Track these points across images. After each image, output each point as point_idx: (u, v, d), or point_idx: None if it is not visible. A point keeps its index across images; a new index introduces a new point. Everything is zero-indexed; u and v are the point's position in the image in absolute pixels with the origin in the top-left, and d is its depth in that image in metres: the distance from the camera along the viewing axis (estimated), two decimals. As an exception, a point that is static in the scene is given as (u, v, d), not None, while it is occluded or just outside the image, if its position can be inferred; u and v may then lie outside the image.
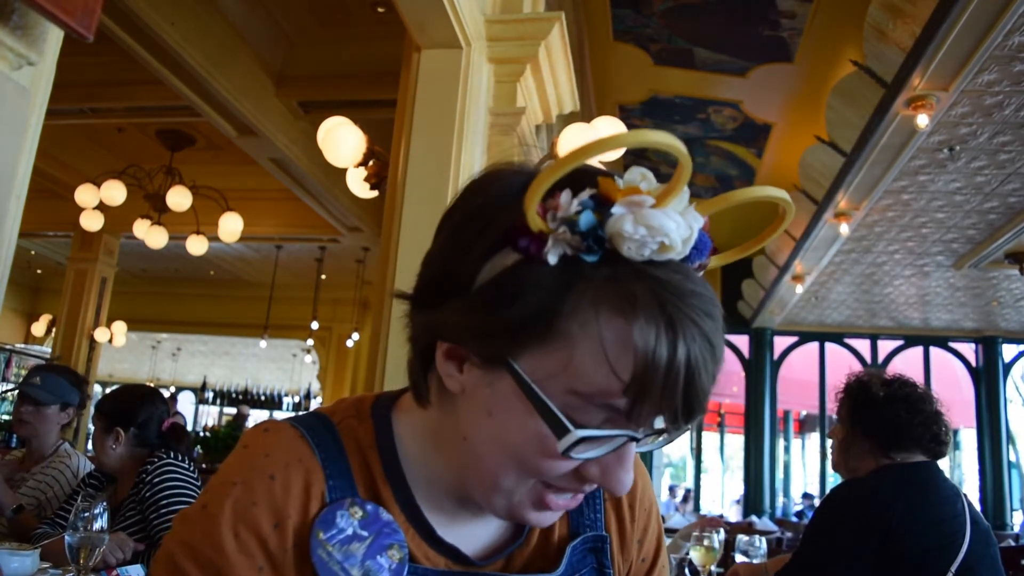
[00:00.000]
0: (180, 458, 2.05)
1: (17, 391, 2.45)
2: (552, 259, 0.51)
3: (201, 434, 8.53)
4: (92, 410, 2.12)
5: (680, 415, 0.51)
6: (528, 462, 0.54)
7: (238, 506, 0.56)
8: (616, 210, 0.50)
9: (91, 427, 2.41)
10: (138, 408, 2.12)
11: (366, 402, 0.66)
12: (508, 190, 0.55)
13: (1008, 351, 9.07)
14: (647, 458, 9.13)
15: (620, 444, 0.53)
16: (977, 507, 1.75)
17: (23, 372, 8.75)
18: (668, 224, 0.50)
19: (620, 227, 0.50)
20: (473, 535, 0.64)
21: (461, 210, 0.58)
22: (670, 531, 5.37)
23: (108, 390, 2.21)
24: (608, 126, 2.73)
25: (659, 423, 0.52)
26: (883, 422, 1.79)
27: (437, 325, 0.56)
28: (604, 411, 0.51)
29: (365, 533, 0.57)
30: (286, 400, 14.15)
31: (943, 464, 1.84)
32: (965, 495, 1.75)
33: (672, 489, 10.67)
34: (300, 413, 0.64)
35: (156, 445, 2.11)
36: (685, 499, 10.38)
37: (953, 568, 1.57)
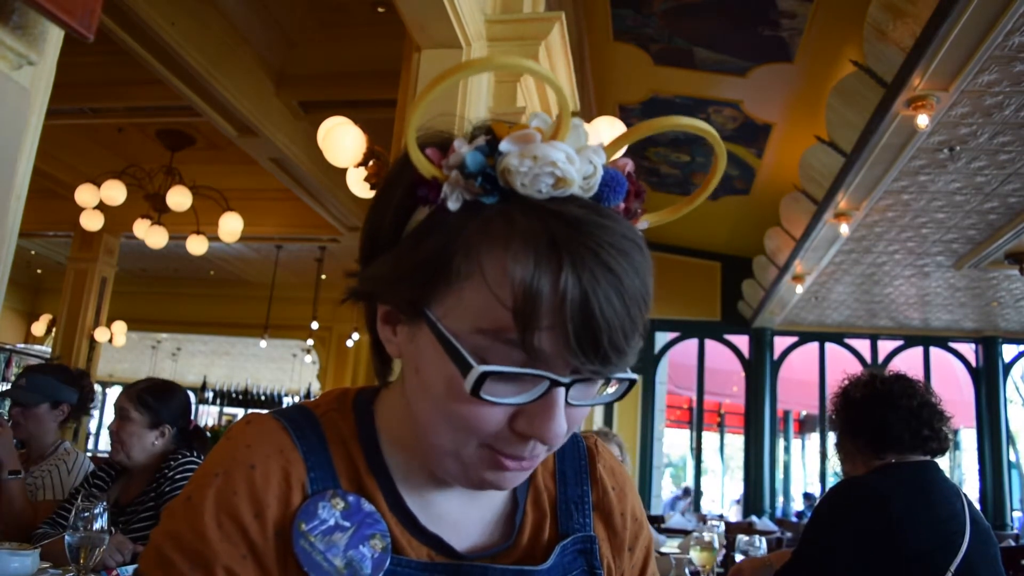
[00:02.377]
0: (200, 457, 2.06)
1: (6, 396, 2.46)
2: (453, 205, 0.53)
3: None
4: (124, 404, 2.06)
5: (587, 351, 0.49)
6: (451, 413, 0.53)
7: (220, 496, 0.56)
8: (503, 147, 0.51)
9: (91, 423, 2.39)
10: (187, 406, 2.17)
11: (349, 395, 0.67)
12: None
13: (1008, 351, 9.07)
14: (647, 458, 9.15)
15: (544, 391, 0.52)
16: (977, 507, 1.73)
17: (18, 372, 8.74)
18: (553, 154, 0.50)
19: (508, 162, 0.51)
20: (458, 530, 0.64)
21: (384, 178, 0.61)
22: (670, 531, 5.36)
23: (137, 383, 2.15)
24: (608, 126, 2.73)
25: (581, 369, 0.51)
26: (864, 424, 1.77)
27: (368, 285, 0.59)
28: (513, 350, 0.50)
29: (347, 524, 0.58)
30: (286, 400, 14.13)
31: (943, 464, 1.81)
32: (965, 495, 1.73)
33: (686, 491, 10.60)
34: (284, 407, 0.65)
35: (180, 443, 2.13)
36: (686, 492, 10.34)
37: (952, 567, 1.56)
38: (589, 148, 0.53)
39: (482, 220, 0.52)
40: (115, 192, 5.51)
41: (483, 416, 0.53)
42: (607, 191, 0.54)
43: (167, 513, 0.59)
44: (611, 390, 0.57)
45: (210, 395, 14.46)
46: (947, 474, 1.76)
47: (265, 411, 0.64)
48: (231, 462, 0.58)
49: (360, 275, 0.60)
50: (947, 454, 1.80)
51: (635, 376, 0.56)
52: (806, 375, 9.76)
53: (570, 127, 0.52)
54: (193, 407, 2.25)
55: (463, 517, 0.65)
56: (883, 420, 1.73)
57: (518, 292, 0.49)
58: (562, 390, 0.52)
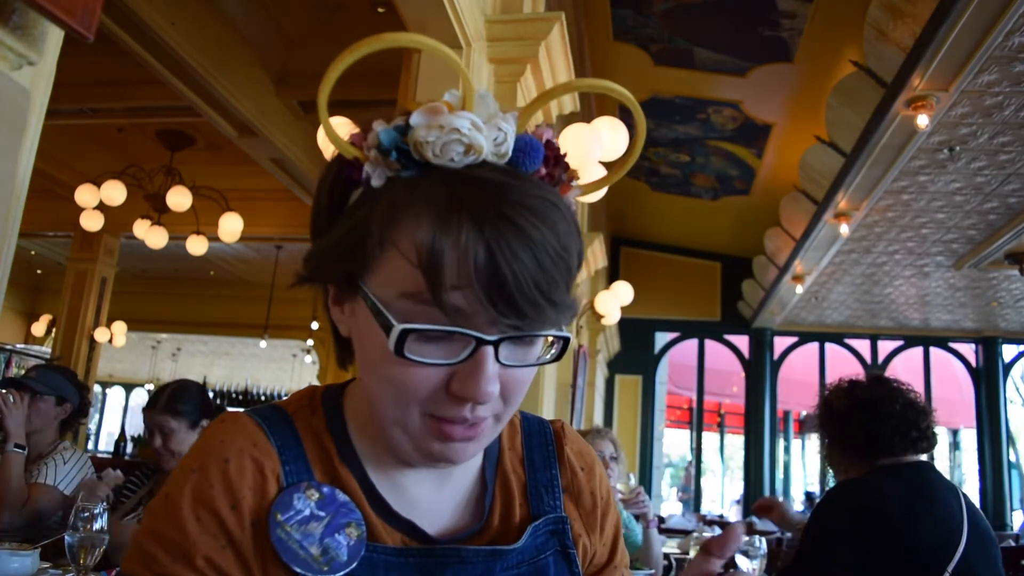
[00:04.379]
0: None
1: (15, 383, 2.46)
2: (376, 182, 0.56)
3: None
4: (159, 420, 2.12)
5: (499, 307, 0.51)
6: (387, 378, 0.56)
7: (196, 490, 0.57)
8: (412, 120, 0.54)
9: (91, 424, 2.39)
10: (207, 394, 2.29)
11: (317, 392, 0.69)
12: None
13: (1008, 351, 9.07)
14: (647, 459, 9.15)
15: (471, 351, 0.53)
16: (977, 506, 1.72)
17: (23, 372, 8.74)
18: (457, 121, 0.53)
19: (417, 134, 0.54)
20: (430, 514, 0.65)
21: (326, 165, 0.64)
22: (671, 531, 5.36)
23: (156, 396, 2.22)
24: (608, 126, 2.73)
25: (503, 327, 0.53)
26: (852, 435, 1.77)
27: (312, 266, 0.61)
28: (438, 313, 0.52)
29: (322, 513, 0.59)
30: (286, 400, 14.11)
31: (943, 464, 1.81)
32: (965, 494, 1.73)
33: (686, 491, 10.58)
34: (258, 406, 0.66)
35: None
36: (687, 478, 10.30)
37: (951, 567, 1.57)
38: (498, 115, 0.56)
39: (394, 191, 0.55)
40: (115, 192, 5.50)
41: (415, 377, 0.55)
42: (522, 156, 0.56)
43: (148, 512, 0.60)
44: (551, 353, 0.58)
45: (210, 395, 14.45)
46: (947, 474, 1.76)
47: (240, 411, 0.65)
48: (206, 457, 0.59)
49: (306, 256, 0.62)
50: (947, 454, 1.79)
51: (567, 334, 0.57)
52: (806, 375, 9.76)
53: (476, 98, 0.55)
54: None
55: (435, 501, 0.66)
56: (870, 430, 1.73)
57: (422, 252, 0.51)
58: (490, 349, 0.53)
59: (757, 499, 2.13)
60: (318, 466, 0.62)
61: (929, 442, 1.73)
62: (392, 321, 0.53)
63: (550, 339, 0.57)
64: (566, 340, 0.57)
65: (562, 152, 0.59)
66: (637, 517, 2.65)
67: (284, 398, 0.69)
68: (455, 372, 0.54)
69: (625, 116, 5.75)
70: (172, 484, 0.59)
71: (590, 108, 5.35)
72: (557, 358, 0.58)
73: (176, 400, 2.16)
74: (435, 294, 0.51)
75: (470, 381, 0.54)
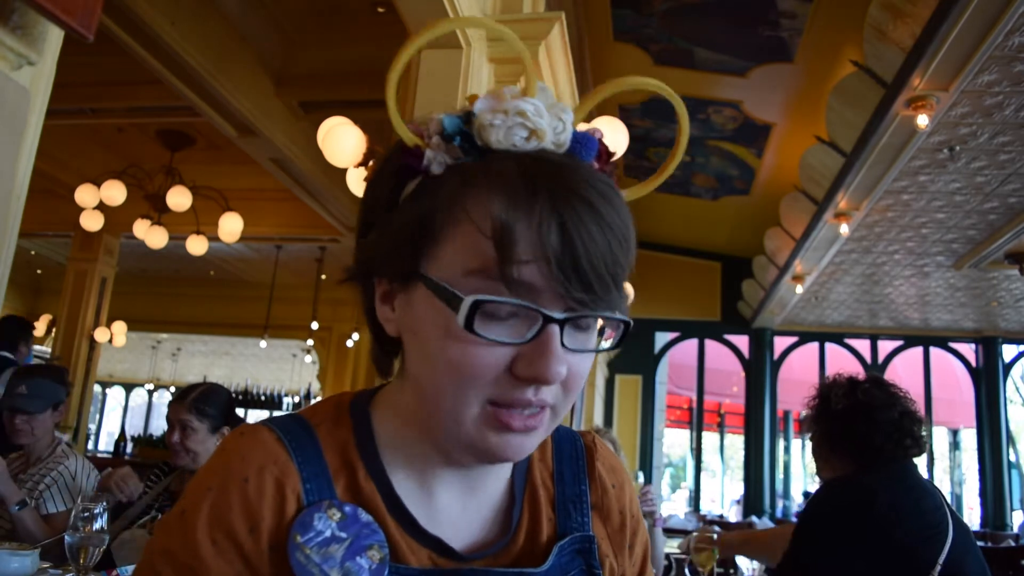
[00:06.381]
0: None
1: (6, 405, 2.45)
2: (437, 169, 0.56)
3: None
4: (183, 416, 2.14)
5: (569, 279, 0.51)
6: (449, 361, 0.54)
7: (213, 511, 0.56)
8: (477, 105, 0.55)
9: (94, 426, 2.40)
10: (233, 403, 2.31)
11: (344, 401, 0.66)
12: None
13: (1008, 351, 9.07)
14: (647, 458, 9.14)
15: (538, 330, 0.53)
16: (978, 508, 1.73)
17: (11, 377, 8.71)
18: (523, 105, 0.54)
19: (481, 118, 0.54)
20: (457, 528, 0.63)
21: (381, 158, 0.64)
22: (671, 531, 5.36)
23: (184, 393, 2.23)
24: (608, 126, 2.73)
25: (569, 305, 0.53)
26: (845, 437, 1.77)
27: (365, 261, 0.61)
28: (504, 288, 0.52)
29: (344, 535, 0.57)
30: (286, 400, 14.13)
31: (943, 464, 1.81)
32: (939, 490, 1.74)
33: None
34: (278, 415, 0.64)
35: None
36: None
37: (941, 559, 1.57)
38: (557, 105, 0.56)
39: (463, 174, 0.55)
40: (115, 192, 5.51)
41: (481, 358, 0.53)
42: (579, 147, 0.57)
43: (161, 527, 0.58)
44: (607, 343, 0.58)
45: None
46: (947, 474, 1.77)
47: (259, 422, 0.63)
48: (225, 475, 0.57)
49: (357, 252, 0.62)
50: (947, 454, 1.79)
51: (628, 318, 0.57)
52: (806, 375, 9.75)
53: (537, 88, 0.56)
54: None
55: (463, 513, 0.64)
56: (864, 434, 1.72)
57: (496, 224, 0.51)
58: (556, 328, 0.53)
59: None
60: (340, 481, 0.60)
61: (920, 449, 1.74)
62: (460, 295, 0.52)
63: (605, 329, 0.57)
64: (627, 324, 0.57)
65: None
66: (644, 516, 2.66)
67: (288, 397, 0.67)
68: (520, 353, 0.54)
69: (626, 116, 5.75)
70: (188, 501, 0.58)
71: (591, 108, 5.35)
72: (617, 344, 0.58)
73: (203, 401, 2.18)
74: (505, 266, 0.51)
75: (539, 360, 0.53)
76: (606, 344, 0.58)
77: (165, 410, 2.23)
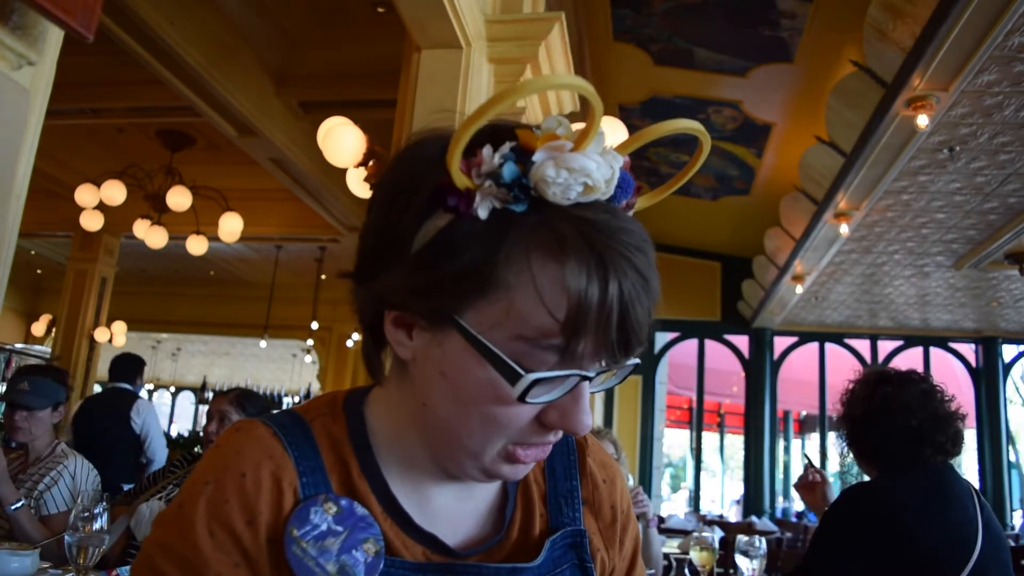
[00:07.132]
0: None
1: (7, 400, 2.46)
2: (483, 213, 0.53)
3: (201, 434, 8.52)
4: (224, 407, 2.29)
5: (618, 349, 0.54)
6: (488, 414, 0.55)
7: (211, 504, 0.56)
8: (537, 157, 0.53)
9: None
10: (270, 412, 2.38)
11: (338, 398, 0.67)
12: (432, 153, 0.57)
13: (1008, 351, 9.07)
14: (647, 458, 9.15)
15: (573, 385, 0.55)
16: (990, 509, 1.67)
17: (11, 375, 8.71)
18: (589, 164, 0.52)
19: (543, 173, 0.52)
20: (452, 525, 0.64)
21: (390, 180, 0.60)
22: (671, 531, 5.36)
23: (228, 392, 2.42)
24: (608, 126, 2.73)
25: (603, 363, 0.55)
26: (863, 443, 1.73)
27: (381, 294, 0.58)
28: (550, 353, 0.53)
29: (340, 528, 0.58)
30: (286, 400, 14.13)
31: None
32: (980, 496, 1.67)
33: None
34: (274, 412, 0.65)
35: None
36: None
37: (965, 572, 1.54)
38: (608, 152, 0.55)
39: (523, 232, 0.53)
40: (115, 192, 5.51)
41: (518, 416, 0.55)
42: (619, 192, 0.56)
43: (158, 522, 0.58)
44: (615, 377, 0.60)
45: (210, 395, 14.44)
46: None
47: (255, 418, 0.64)
48: (222, 469, 0.58)
49: (371, 284, 0.58)
50: (960, 452, 1.72)
51: (638, 360, 0.59)
52: (806, 375, 9.76)
53: (595, 134, 0.54)
54: (194, 408, 2.35)
55: (457, 512, 0.65)
56: (878, 444, 1.69)
57: (572, 303, 0.51)
58: (587, 383, 0.55)
59: (801, 476, 2.09)
60: (336, 477, 0.61)
61: (947, 454, 1.66)
62: (519, 371, 0.52)
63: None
64: (637, 365, 0.60)
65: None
66: (637, 517, 2.66)
67: (288, 397, 0.67)
68: (553, 404, 0.55)
69: (626, 116, 5.75)
70: (186, 495, 0.58)
71: (590, 108, 5.35)
72: (619, 381, 0.60)
73: (246, 398, 2.34)
74: (571, 343, 0.52)
75: (572, 415, 0.55)
76: (614, 380, 0.60)
77: (168, 409, 2.27)
